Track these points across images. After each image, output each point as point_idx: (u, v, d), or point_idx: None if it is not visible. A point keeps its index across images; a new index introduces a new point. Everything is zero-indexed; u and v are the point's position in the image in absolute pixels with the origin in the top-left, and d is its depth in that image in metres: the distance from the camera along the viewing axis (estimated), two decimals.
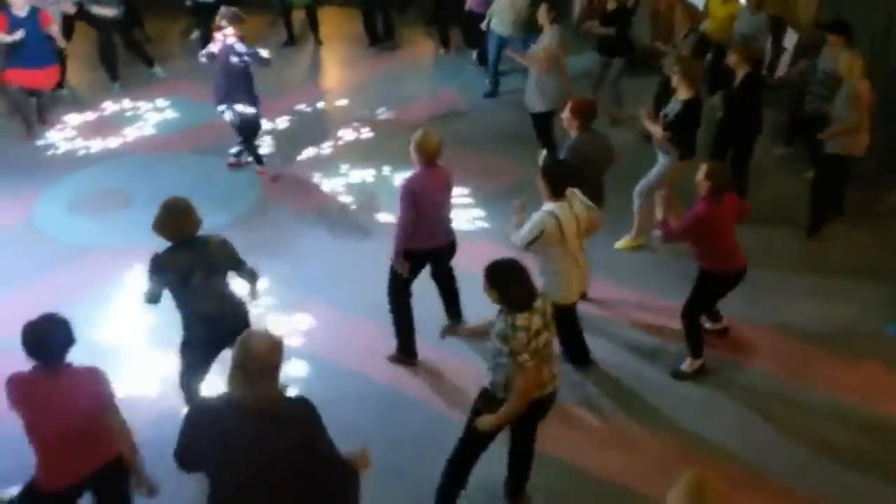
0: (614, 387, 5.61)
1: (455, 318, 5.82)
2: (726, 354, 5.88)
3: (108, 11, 9.80)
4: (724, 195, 5.27)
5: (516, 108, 9.16)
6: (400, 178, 8.00)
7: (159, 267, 4.47)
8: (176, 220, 4.47)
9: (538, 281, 4.67)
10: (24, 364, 3.68)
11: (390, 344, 5.74)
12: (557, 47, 7.87)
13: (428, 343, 5.60)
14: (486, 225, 7.32)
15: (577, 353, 5.71)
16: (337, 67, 11.68)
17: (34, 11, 8.60)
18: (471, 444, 4.32)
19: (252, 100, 7.80)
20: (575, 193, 5.20)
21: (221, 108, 7.80)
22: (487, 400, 4.20)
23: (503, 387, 4.10)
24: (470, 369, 5.40)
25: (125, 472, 3.86)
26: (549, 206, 5.10)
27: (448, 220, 5.58)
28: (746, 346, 5.99)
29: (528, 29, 9.44)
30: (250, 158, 8.22)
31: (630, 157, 7.52)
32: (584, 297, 5.84)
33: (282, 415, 3.19)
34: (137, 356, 5.76)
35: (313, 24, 11.87)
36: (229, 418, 3.13)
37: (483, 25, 9.92)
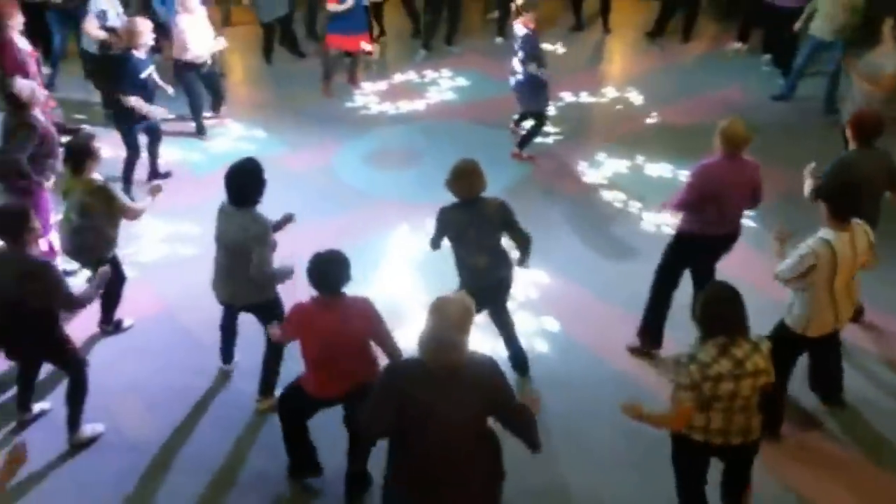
0: (863, 427, 5.06)
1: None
2: None
3: None
4: None
5: (805, 115, 8.68)
6: (670, 171, 8.06)
7: (442, 219, 4.92)
8: (463, 179, 4.83)
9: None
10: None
11: (632, 332, 5.65)
12: None
13: (671, 334, 5.52)
14: (751, 227, 6.88)
15: (826, 388, 5.14)
16: (622, 56, 11.62)
17: None
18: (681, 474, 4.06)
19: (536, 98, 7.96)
20: (860, 224, 4.48)
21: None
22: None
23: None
24: None
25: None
26: (826, 233, 4.36)
27: (740, 214, 5.28)
28: None
29: (852, 36, 8.59)
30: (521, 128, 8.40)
31: None
32: (856, 319, 5.42)
33: (468, 375, 3.28)
34: (399, 298, 6.17)
35: (605, 11, 11.88)
36: (420, 380, 3.27)
37: (796, 25, 9.08)
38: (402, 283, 6.40)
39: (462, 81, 10.38)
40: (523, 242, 5.05)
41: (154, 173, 7.91)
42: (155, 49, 10.71)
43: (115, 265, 5.62)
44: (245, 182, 4.71)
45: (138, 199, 6.16)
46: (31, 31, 9.64)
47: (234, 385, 5.38)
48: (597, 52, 11.71)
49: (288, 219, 5.25)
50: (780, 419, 4.82)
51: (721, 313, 3.59)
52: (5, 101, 6.08)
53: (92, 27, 8.61)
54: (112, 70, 7.46)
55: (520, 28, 7.71)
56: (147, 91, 7.29)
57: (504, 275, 5.06)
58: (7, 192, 6.01)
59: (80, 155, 5.28)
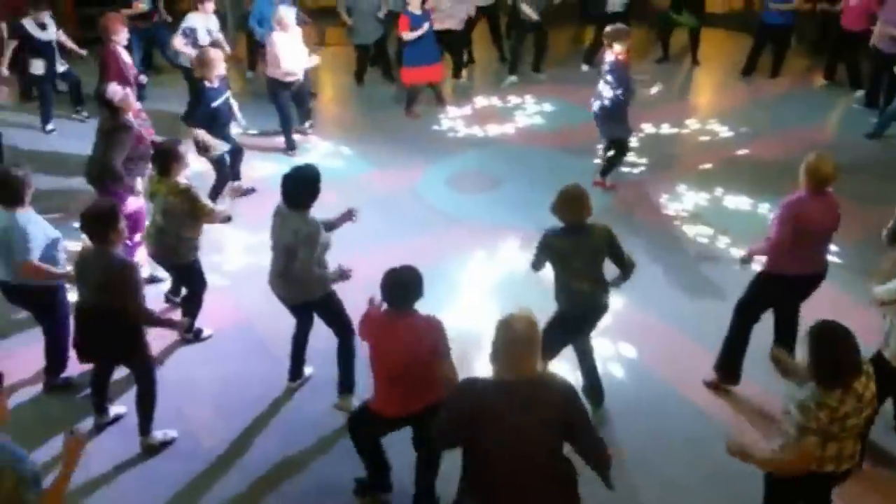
0: None
1: (783, 346, 5.38)
2: None
3: (532, 14, 10.54)
4: None
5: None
6: (752, 205, 7.81)
7: (547, 244, 4.80)
8: (571, 204, 4.71)
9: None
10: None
11: (708, 365, 5.44)
12: None
13: (749, 370, 5.29)
14: (836, 261, 6.64)
15: None
16: (709, 90, 11.38)
17: (427, 11, 9.50)
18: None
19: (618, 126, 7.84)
20: None
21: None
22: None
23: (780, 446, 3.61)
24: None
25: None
26: None
27: (825, 251, 5.10)
28: None
29: None
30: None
31: None
32: None
33: (542, 391, 3.26)
34: (473, 319, 6.05)
35: (694, 43, 11.68)
36: (493, 395, 3.25)
37: None
38: (480, 305, 6.29)
39: (547, 108, 10.32)
40: (627, 269, 4.93)
41: (237, 189, 7.99)
42: (251, 66, 11.03)
43: (198, 271, 5.70)
44: (301, 187, 4.78)
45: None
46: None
47: (305, 398, 5.34)
48: (684, 85, 11.51)
49: (347, 216, 5.26)
50: (864, 449, 4.53)
51: (841, 359, 3.37)
52: (100, 105, 6.31)
53: (180, 44, 8.89)
54: (189, 99, 7.54)
55: (609, 56, 7.60)
56: (220, 120, 7.27)
57: (604, 301, 4.92)
58: (99, 193, 6.21)
59: (167, 157, 5.41)
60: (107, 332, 4.57)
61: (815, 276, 5.08)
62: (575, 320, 4.92)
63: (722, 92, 11.06)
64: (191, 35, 8.89)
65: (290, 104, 8.79)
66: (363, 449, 4.37)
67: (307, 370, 5.46)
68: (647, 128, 9.60)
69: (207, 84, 7.03)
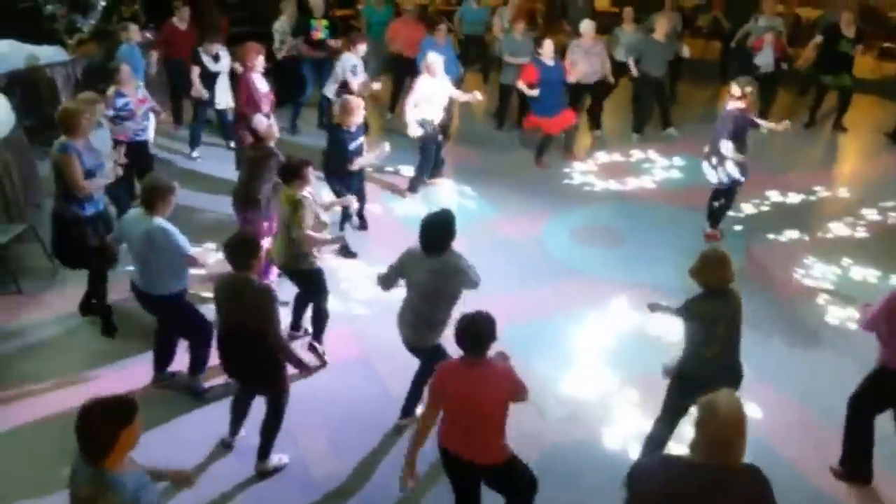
0: None
1: None
2: None
3: (656, 72, 10.41)
4: None
5: None
6: (882, 279, 7.32)
7: (689, 312, 4.56)
8: (712, 268, 4.48)
9: None
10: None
11: (838, 449, 5.06)
12: None
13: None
14: None
15: None
16: (853, 156, 10.80)
17: (559, 62, 9.42)
18: None
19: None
20: None
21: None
22: None
23: None
24: None
25: (516, 472, 4.07)
26: None
27: None
28: None
29: None
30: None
31: None
32: None
33: (740, 482, 3.00)
34: (584, 379, 5.91)
35: (842, 107, 11.10)
36: (682, 479, 3.00)
37: None
38: (598, 362, 6.12)
39: (676, 164, 10.07)
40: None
41: (361, 225, 8.11)
42: (391, 108, 11.21)
43: (319, 279, 5.84)
44: (439, 231, 4.82)
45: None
46: (285, 79, 10.60)
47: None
48: (829, 151, 10.94)
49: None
50: None
51: None
52: (250, 134, 6.56)
53: (350, 80, 9.07)
54: (327, 141, 7.67)
55: (732, 104, 7.40)
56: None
57: (735, 370, 4.60)
58: (238, 218, 6.44)
59: (292, 171, 5.63)
60: (247, 358, 4.70)
61: None
62: (697, 383, 4.51)
63: (866, 159, 10.47)
64: (352, 71, 9.07)
65: (433, 152, 8.84)
66: (456, 492, 4.26)
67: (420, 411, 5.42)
68: (788, 193, 9.22)
69: (345, 129, 7.17)
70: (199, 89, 9.27)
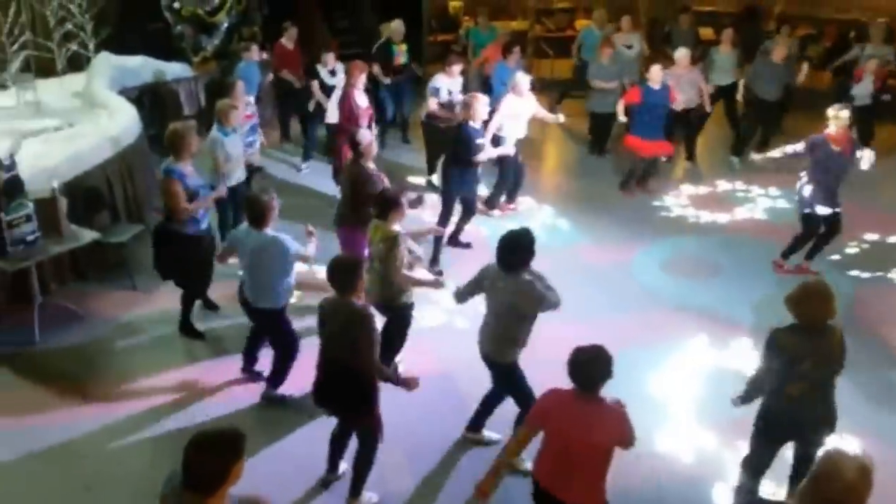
0: None
1: None
2: None
3: (769, 95, 10.21)
4: None
5: None
6: None
7: (775, 343, 4.25)
8: (809, 302, 4.18)
9: None
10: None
11: None
12: None
13: None
14: None
15: None
16: None
17: (666, 86, 9.25)
18: None
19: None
20: None
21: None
22: None
23: None
24: None
25: None
26: None
27: None
28: None
29: None
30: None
31: None
32: None
33: None
34: (667, 416, 5.74)
35: None
36: None
37: None
38: (683, 397, 5.95)
39: (773, 196, 9.74)
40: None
41: (455, 240, 8.12)
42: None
43: (404, 319, 5.67)
44: (518, 250, 4.77)
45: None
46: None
47: (490, 451, 5.18)
48: None
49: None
50: None
51: None
52: (350, 148, 6.69)
53: (433, 105, 9.36)
54: (454, 139, 7.77)
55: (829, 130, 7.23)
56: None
57: (818, 414, 4.25)
58: (338, 235, 6.55)
59: (388, 203, 5.48)
60: (343, 386, 4.53)
61: None
62: (780, 426, 4.34)
63: None
64: (435, 94, 9.33)
65: (511, 172, 8.83)
66: None
67: (487, 434, 5.40)
68: (873, 236, 8.76)
69: (471, 124, 7.48)
70: (319, 96, 9.68)
